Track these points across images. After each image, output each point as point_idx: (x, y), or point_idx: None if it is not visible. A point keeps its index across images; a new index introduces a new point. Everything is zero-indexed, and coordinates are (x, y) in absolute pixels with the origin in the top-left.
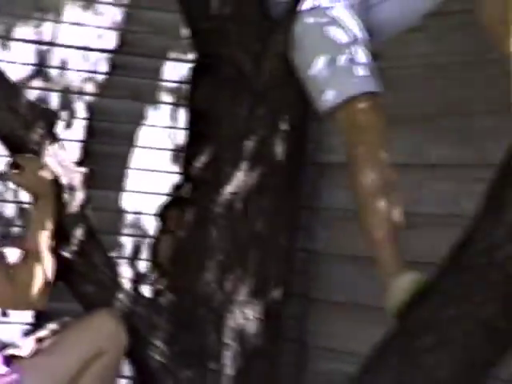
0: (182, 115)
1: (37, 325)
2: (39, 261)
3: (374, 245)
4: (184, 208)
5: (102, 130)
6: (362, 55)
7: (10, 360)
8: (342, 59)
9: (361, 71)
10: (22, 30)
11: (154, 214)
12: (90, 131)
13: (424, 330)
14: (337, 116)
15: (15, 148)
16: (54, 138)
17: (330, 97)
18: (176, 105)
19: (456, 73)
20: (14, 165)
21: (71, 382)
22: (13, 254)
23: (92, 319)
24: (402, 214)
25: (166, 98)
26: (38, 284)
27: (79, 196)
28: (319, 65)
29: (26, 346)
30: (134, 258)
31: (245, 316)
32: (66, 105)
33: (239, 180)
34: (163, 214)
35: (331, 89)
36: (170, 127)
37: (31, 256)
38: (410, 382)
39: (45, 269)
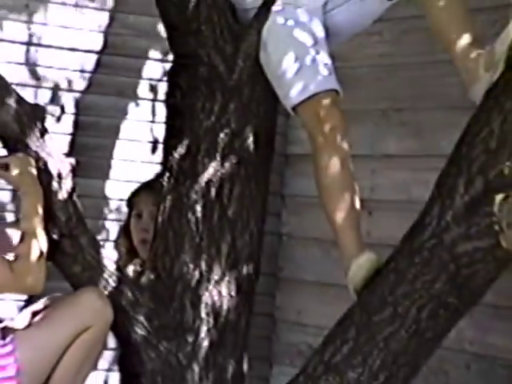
0: (162, 110)
1: (30, 301)
2: (36, 241)
3: (336, 228)
4: (157, 194)
5: (88, 124)
6: (323, 56)
7: (5, 332)
8: (307, 59)
9: (323, 71)
10: (11, 30)
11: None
12: (77, 125)
13: (381, 305)
14: (302, 111)
15: (7, 141)
16: (44, 132)
17: (295, 93)
18: (155, 101)
19: (408, 72)
20: (1, 164)
21: (61, 353)
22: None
23: (80, 296)
24: (360, 200)
25: (147, 94)
26: (36, 267)
27: (67, 184)
28: (286, 64)
29: (20, 320)
30: (117, 240)
31: (219, 293)
32: (55, 101)
33: (213, 169)
34: (132, 197)
35: (297, 86)
36: (151, 121)
37: (28, 238)
38: (368, 352)
39: (42, 248)
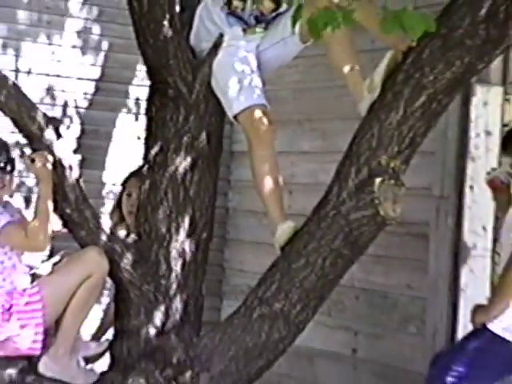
0: (143, 121)
1: (50, 256)
2: (47, 215)
3: (266, 203)
4: (142, 179)
5: (90, 131)
6: (257, 81)
7: (34, 277)
8: (245, 83)
9: (256, 91)
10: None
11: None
12: (82, 132)
13: (297, 257)
14: (240, 119)
15: (33, 143)
16: (59, 136)
17: (236, 106)
18: (139, 114)
19: (316, 93)
20: (29, 158)
21: (72, 292)
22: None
23: (85, 252)
24: (283, 183)
25: (133, 109)
26: (43, 233)
27: (75, 173)
28: (230, 86)
29: (44, 269)
30: (111, 212)
31: (183, 250)
32: (66, 114)
33: (179, 162)
34: (125, 182)
35: (237, 101)
36: (135, 128)
37: (41, 212)
38: (288, 290)
39: (50, 220)
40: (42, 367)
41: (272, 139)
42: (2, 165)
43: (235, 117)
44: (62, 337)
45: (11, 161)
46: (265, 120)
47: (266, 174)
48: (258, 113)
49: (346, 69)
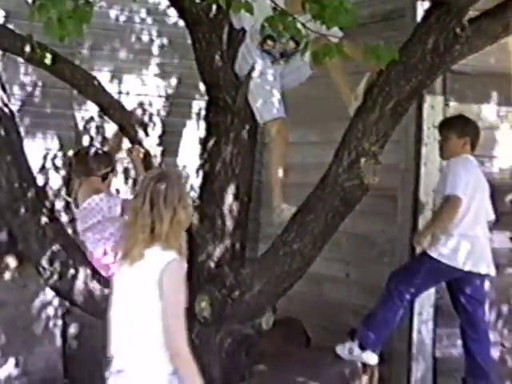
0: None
1: None
2: None
3: (274, 187)
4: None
5: (168, 131)
6: (279, 98)
7: None
8: (273, 99)
9: (280, 107)
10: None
11: None
12: (163, 132)
13: (308, 212)
14: (268, 125)
15: (130, 139)
16: (147, 135)
17: (266, 116)
18: (200, 119)
19: (321, 101)
20: (129, 151)
21: None
22: None
23: None
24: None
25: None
26: None
27: (158, 159)
28: (261, 101)
29: None
30: None
31: (232, 209)
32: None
33: (228, 151)
34: None
35: (267, 113)
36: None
37: None
38: (302, 235)
39: None
40: None
41: (286, 144)
42: (109, 169)
43: (264, 123)
44: None
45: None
46: (283, 127)
47: (279, 164)
48: (280, 123)
49: (340, 85)
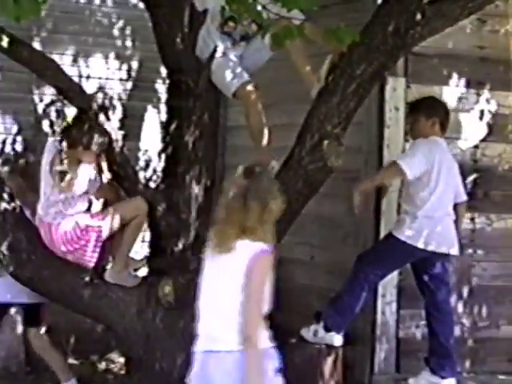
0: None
1: None
2: None
3: (255, 143)
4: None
5: (129, 115)
6: (243, 71)
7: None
8: (236, 71)
9: (244, 74)
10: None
11: None
12: (124, 115)
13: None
14: (238, 94)
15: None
16: (108, 119)
17: (233, 87)
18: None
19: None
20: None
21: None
22: None
23: (135, 199)
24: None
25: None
26: None
27: (120, 143)
28: (226, 77)
29: None
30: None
31: (196, 194)
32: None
33: (190, 134)
34: None
35: (232, 84)
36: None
37: None
38: None
39: None
40: (107, 276)
41: (259, 101)
42: None
43: (234, 95)
44: (119, 257)
45: None
46: (255, 92)
47: (258, 127)
48: (248, 86)
49: (303, 67)
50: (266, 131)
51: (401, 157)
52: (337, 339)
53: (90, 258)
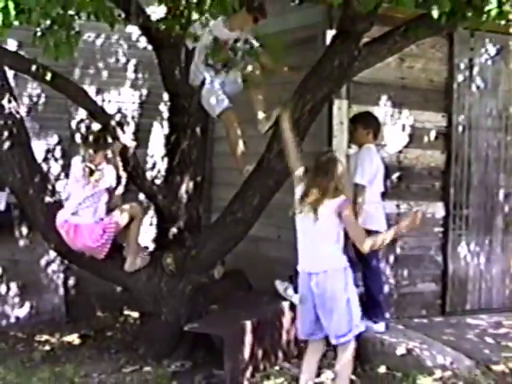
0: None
1: None
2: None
3: (237, 157)
4: (168, 153)
5: (141, 129)
6: (225, 98)
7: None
8: (220, 98)
9: (226, 101)
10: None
11: None
12: (137, 129)
13: (247, 189)
14: (222, 116)
15: (111, 137)
16: (123, 132)
17: (218, 110)
18: (163, 120)
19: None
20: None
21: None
22: None
23: (131, 204)
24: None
25: (161, 118)
26: None
27: (132, 150)
28: (211, 101)
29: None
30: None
31: (188, 188)
32: (127, 121)
33: (186, 143)
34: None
35: (218, 107)
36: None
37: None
38: (243, 206)
39: None
40: (126, 267)
41: (237, 124)
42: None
43: (219, 116)
44: (130, 252)
45: None
46: (233, 115)
47: (237, 142)
48: (229, 111)
49: (256, 108)
50: (241, 143)
51: (358, 176)
52: (297, 298)
53: (103, 250)
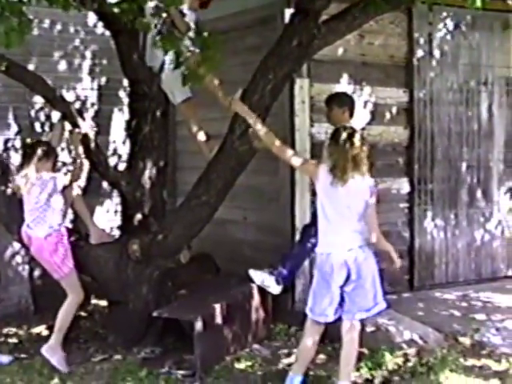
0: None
1: None
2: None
3: (201, 145)
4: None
5: (100, 115)
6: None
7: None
8: (181, 87)
9: (187, 89)
10: None
11: None
12: (96, 115)
13: (212, 171)
14: (180, 106)
15: (71, 123)
16: (83, 118)
17: (179, 98)
18: (123, 105)
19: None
20: (70, 132)
21: None
22: None
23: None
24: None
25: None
26: None
27: (93, 136)
28: (174, 87)
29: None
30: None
31: (152, 173)
32: (86, 107)
33: (147, 127)
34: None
35: (179, 96)
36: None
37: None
38: (208, 189)
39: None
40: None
41: (196, 111)
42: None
43: (178, 105)
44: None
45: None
46: (192, 105)
47: (198, 129)
48: (189, 102)
49: (216, 93)
50: (201, 131)
51: None
52: (277, 289)
53: (59, 270)
